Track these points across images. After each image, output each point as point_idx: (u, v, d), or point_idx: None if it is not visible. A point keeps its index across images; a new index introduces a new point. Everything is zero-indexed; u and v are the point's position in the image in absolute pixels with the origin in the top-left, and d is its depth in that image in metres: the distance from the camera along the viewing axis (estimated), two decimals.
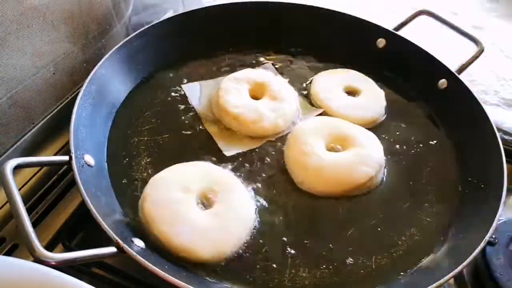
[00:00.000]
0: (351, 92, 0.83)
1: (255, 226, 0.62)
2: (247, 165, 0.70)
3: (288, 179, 0.68)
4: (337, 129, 0.72)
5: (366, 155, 0.68)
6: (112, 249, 0.49)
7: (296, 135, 0.72)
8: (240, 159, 0.71)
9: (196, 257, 0.56)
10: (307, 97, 0.84)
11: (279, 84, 0.81)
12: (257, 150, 0.73)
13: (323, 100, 0.81)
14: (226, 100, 0.76)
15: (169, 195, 0.60)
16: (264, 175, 0.69)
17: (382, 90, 0.84)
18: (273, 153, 0.72)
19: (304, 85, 0.86)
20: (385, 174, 0.70)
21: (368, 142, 0.71)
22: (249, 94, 0.79)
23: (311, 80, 0.86)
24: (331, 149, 0.71)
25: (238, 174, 0.68)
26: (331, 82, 0.84)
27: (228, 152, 0.71)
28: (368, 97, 0.82)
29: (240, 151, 0.72)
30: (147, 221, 0.58)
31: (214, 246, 0.57)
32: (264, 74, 0.83)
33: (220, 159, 0.70)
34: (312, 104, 0.82)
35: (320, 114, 0.79)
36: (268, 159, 0.71)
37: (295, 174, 0.69)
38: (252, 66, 0.89)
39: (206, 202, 0.62)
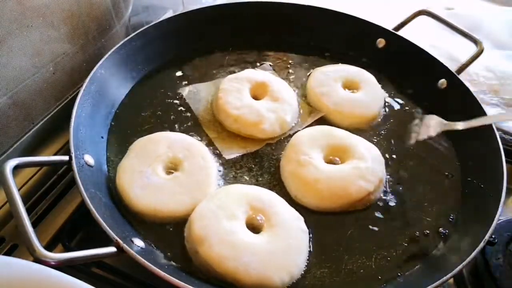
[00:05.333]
0: (349, 88, 0.83)
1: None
2: (244, 169, 0.70)
3: (283, 190, 0.67)
4: (337, 140, 0.70)
5: (365, 168, 0.65)
6: (112, 249, 0.50)
7: (294, 144, 0.69)
8: (239, 163, 0.70)
9: (272, 286, 0.54)
10: (304, 95, 0.83)
11: (279, 84, 0.80)
12: (256, 153, 0.72)
13: (319, 95, 0.80)
14: (226, 102, 0.75)
15: (221, 228, 0.56)
16: (261, 181, 0.68)
17: (380, 86, 0.84)
18: (273, 157, 0.72)
19: (303, 82, 0.86)
20: (387, 189, 0.68)
21: (368, 154, 0.68)
22: (250, 94, 0.78)
23: (308, 76, 0.86)
24: (329, 161, 0.68)
25: (237, 178, 0.68)
26: (328, 77, 0.83)
27: (228, 155, 0.71)
28: (367, 93, 0.81)
29: (240, 154, 0.71)
30: (209, 263, 0.54)
31: (285, 269, 0.55)
32: (265, 74, 0.83)
33: (221, 162, 0.70)
34: (309, 102, 0.82)
35: (319, 116, 0.79)
36: (267, 165, 0.71)
37: (290, 187, 0.66)
38: (252, 66, 0.89)
39: (254, 226, 0.59)
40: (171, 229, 0.60)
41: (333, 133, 0.71)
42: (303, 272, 0.57)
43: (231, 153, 0.71)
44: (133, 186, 0.61)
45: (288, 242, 0.57)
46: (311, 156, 0.66)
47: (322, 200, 0.64)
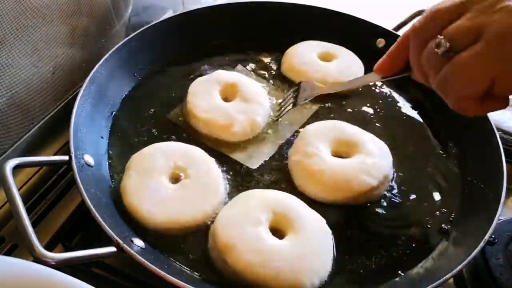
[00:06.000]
0: (326, 59, 0.87)
1: None
2: (244, 167, 0.70)
3: (290, 183, 0.67)
4: (346, 134, 0.70)
5: (371, 164, 0.65)
6: (112, 249, 0.50)
7: (303, 136, 0.70)
8: (237, 163, 0.70)
9: None
10: (281, 73, 0.87)
11: (249, 84, 0.79)
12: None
13: (296, 66, 0.84)
14: (195, 105, 0.74)
15: (247, 235, 0.55)
16: (263, 181, 0.68)
17: (357, 58, 0.88)
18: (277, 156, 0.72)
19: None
20: (392, 186, 0.68)
21: (376, 150, 0.68)
22: (221, 96, 0.77)
23: (283, 55, 0.89)
24: (337, 155, 0.68)
25: (238, 177, 0.68)
26: (304, 51, 0.87)
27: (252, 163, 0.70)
28: (344, 62, 0.86)
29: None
30: (238, 271, 0.53)
31: (314, 272, 0.54)
32: (235, 74, 0.81)
33: (222, 162, 0.70)
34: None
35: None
36: (266, 162, 0.71)
37: (295, 177, 0.67)
38: (252, 66, 0.89)
39: (277, 231, 0.59)
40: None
41: (342, 128, 0.71)
42: (329, 273, 0.56)
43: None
44: (146, 204, 0.59)
45: (314, 244, 0.56)
46: (319, 149, 0.67)
47: (324, 191, 0.64)
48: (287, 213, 0.59)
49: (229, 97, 0.77)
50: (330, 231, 0.60)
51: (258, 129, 0.74)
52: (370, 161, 0.66)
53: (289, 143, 0.73)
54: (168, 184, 0.62)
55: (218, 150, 0.71)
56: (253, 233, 0.56)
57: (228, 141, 0.72)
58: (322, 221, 0.60)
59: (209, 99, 0.75)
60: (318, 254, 0.56)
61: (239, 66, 0.89)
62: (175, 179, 0.64)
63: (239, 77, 0.80)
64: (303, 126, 0.76)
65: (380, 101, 0.84)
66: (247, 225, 0.56)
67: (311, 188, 0.65)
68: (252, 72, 0.88)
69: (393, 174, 0.70)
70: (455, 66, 0.42)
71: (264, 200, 0.60)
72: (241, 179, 0.68)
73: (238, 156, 0.71)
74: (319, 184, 0.64)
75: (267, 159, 0.71)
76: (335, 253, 0.59)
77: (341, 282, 0.57)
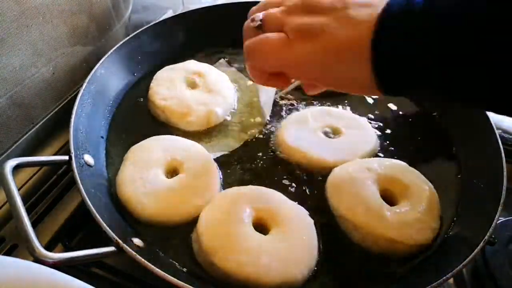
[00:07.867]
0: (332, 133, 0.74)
1: None
2: (236, 162, 0.70)
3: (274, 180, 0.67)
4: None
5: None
6: (112, 249, 0.50)
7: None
8: (230, 156, 0.70)
9: (294, 282, 0.53)
10: None
11: (216, 76, 0.79)
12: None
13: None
14: (155, 92, 0.74)
15: (232, 235, 0.55)
16: (254, 172, 0.68)
17: (370, 126, 0.76)
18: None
19: None
20: None
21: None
22: (186, 85, 0.77)
23: None
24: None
25: (232, 172, 0.68)
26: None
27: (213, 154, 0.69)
28: (353, 136, 0.72)
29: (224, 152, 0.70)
30: (227, 273, 0.53)
31: (303, 262, 0.55)
32: (203, 65, 0.82)
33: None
34: None
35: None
36: (255, 152, 0.71)
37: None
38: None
39: (261, 227, 0.58)
40: (171, 228, 0.60)
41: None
42: (317, 261, 0.57)
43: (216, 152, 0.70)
44: (138, 195, 0.59)
45: (299, 236, 0.57)
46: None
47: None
48: (268, 208, 0.59)
49: (194, 87, 0.78)
50: (312, 221, 0.60)
51: (216, 121, 0.74)
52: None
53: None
54: (163, 176, 0.63)
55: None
56: (237, 232, 0.55)
57: (188, 131, 0.72)
58: (304, 211, 0.61)
59: (170, 87, 0.75)
60: (304, 245, 0.56)
61: (222, 60, 0.89)
62: (171, 173, 0.64)
63: (207, 68, 0.81)
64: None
65: (374, 100, 0.84)
66: (230, 225, 0.56)
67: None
68: (232, 67, 0.87)
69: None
70: (258, 40, 0.49)
71: (244, 197, 0.60)
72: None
73: None
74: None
75: (227, 152, 0.71)
76: (320, 241, 0.59)
77: (329, 269, 0.57)
